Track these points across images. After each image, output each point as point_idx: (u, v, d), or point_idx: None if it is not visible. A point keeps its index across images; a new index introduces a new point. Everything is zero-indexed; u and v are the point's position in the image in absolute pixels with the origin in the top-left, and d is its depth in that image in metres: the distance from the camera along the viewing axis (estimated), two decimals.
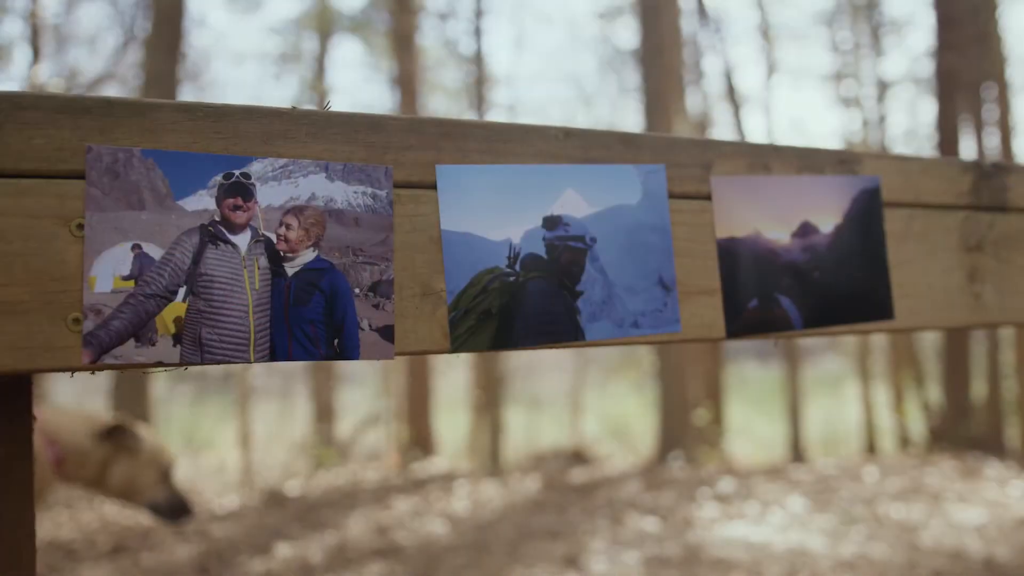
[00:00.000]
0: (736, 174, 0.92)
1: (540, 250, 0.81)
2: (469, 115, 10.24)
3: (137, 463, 2.37)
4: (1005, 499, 4.01)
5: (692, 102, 10.20)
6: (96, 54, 9.47)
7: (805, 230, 0.95)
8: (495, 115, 11.05)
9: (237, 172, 0.69)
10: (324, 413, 9.50)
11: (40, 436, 2.19)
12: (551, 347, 0.81)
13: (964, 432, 6.47)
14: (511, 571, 2.97)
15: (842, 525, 3.53)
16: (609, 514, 3.82)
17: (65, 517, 4.39)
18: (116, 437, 2.35)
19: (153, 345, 0.65)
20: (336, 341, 0.72)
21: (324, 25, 10.19)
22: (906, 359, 8.69)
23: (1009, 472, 4.69)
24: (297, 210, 0.71)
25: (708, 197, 0.90)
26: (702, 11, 10.15)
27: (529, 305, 0.80)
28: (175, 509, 2.42)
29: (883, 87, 11.15)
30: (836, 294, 0.97)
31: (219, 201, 0.68)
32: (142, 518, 4.25)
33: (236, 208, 0.69)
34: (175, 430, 9.35)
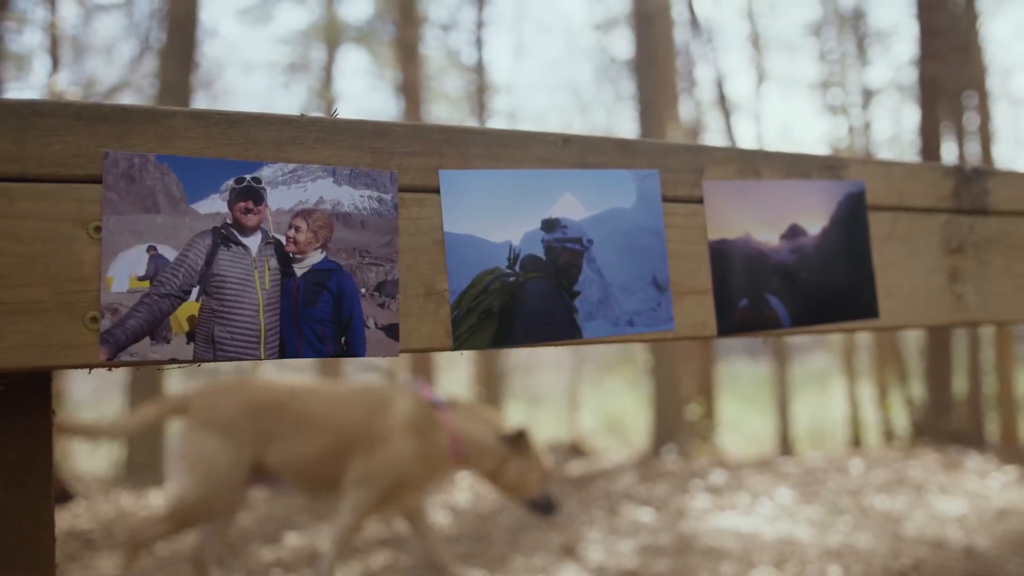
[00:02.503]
0: (727, 179, 0.92)
1: (539, 251, 0.81)
2: (471, 122, 10.24)
3: (528, 465, 2.63)
4: (985, 491, 4.01)
5: (685, 109, 10.20)
6: (112, 64, 9.47)
7: (793, 232, 0.95)
8: (496, 122, 11.05)
9: (248, 177, 0.69)
10: None
11: (448, 432, 2.53)
12: (550, 345, 0.81)
13: (946, 426, 6.47)
14: (511, 560, 2.97)
15: (828, 516, 3.53)
16: (605, 505, 3.82)
17: (83, 508, 4.39)
18: (517, 442, 2.62)
19: (168, 343, 0.65)
20: (343, 339, 0.72)
21: (331, 36, 10.19)
22: (890, 356, 8.69)
23: (989, 465, 4.69)
24: (306, 213, 0.71)
25: (700, 201, 0.90)
26: (694, 22, 10.15)
27: (528, 304, 0.80)
28: (548, 506, 2.70)
29: (868, 95, 11.15)
30: (823, 294, 0.97)
31: (231, 205, 0.68)
32: (157, 508, 4.25)
33: (247, 211, 0.69)
34: None
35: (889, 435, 8.09)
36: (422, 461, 2.52)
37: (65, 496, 2.69)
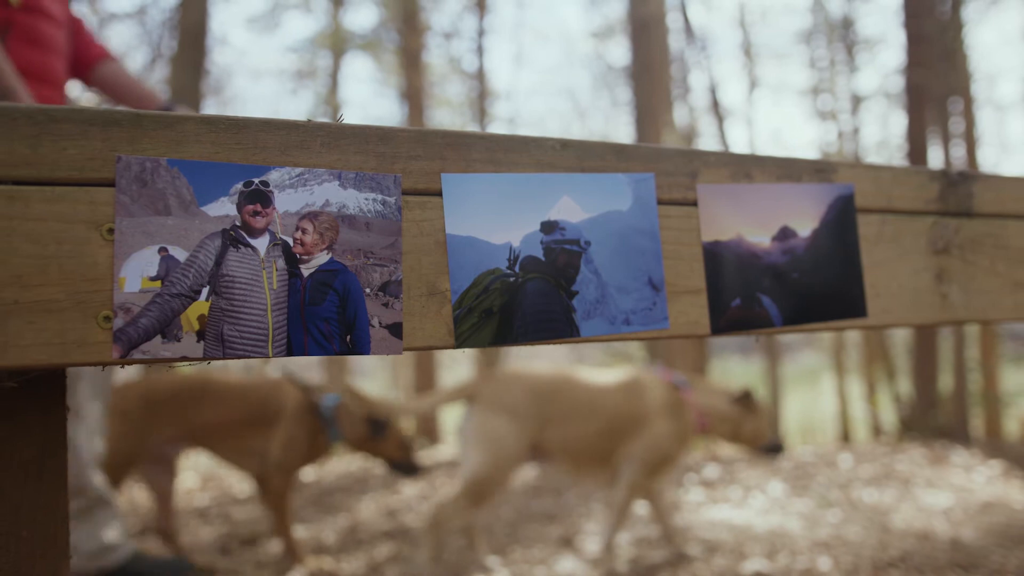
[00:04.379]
0: (720, 182, 0.92)
1: (538, 253, 0.81)
2: (472, 127, 10.24)
3: (758, 419, 2.91)
4: (970, 484, 4.01)
5: (679, 115, 10.20)
6: None
7: (784, 234, 0.95)
8: (496, 127, 11.05)
9: (256, 180, 0.69)
10: None
11: (693, 408, 2.77)
12: (548, 343, 0.81)
13: (932, 422, 6.47)
14: (511, 551, 2.97)
15: (818, 508, 3.53)
16: (603, 498, 3.81)
17: None
18: (745, 401, 2.87)
19: (178, 341, 0.65)
20: (348, 337, 0.72)
21: (337, 44, 10.19)
22: (878, 354, 8.69)
23: (974, 459, 4.69)
24: (312, 215, 0.71)
25: (694, 203, 0.90)
26: (689, 31, 10.15)
27: (528, 304, 0.80)
28: (778, 447, 3.00)
29: (857, 101, 11.15)
30: (813, 294, 0.97)
31: (240, 207, 0.68)
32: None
33: (255, 214, 0.69)
34: None
35: (877, 430, 8.09)
36: (679, 438, 2.74)
37: (414, 469, 2.92)
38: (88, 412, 2.17)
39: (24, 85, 1.67)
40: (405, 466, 2.93)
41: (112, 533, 2.17)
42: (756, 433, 2.90)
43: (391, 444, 2.87)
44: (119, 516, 2.20)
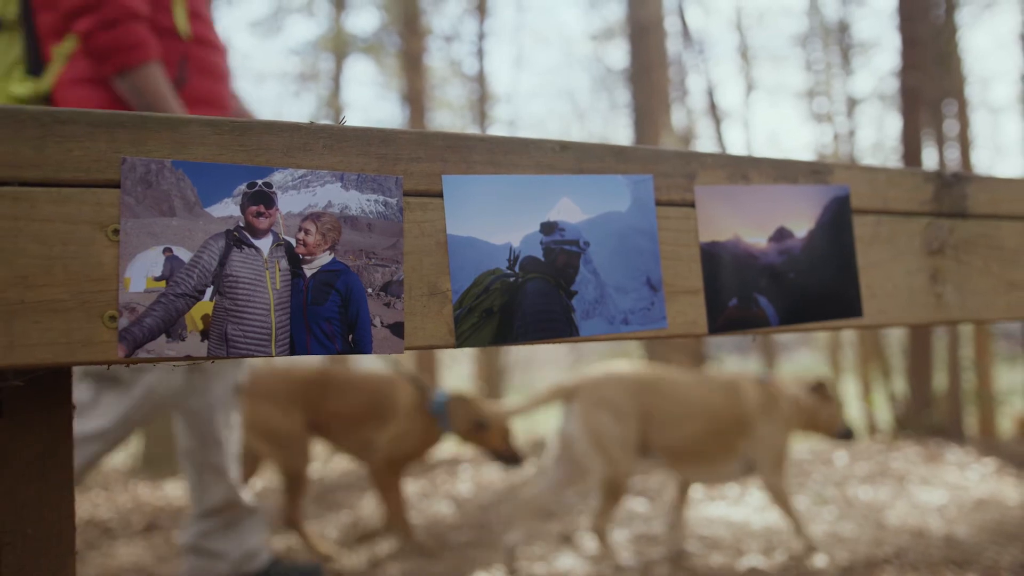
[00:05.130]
0: (717, 183, 0.92)
1: (538, 253, 0.81)
2: (473, 129, 10.24)
3: (833, 407, 2.98)
4: (964, 482, 4.01)
5: (677, 117, 10.20)
6: None
7: (781, 235, 0.95)
8: (497, 129, 11.06)
9: (260, 182, 0.69)
10: None
11: (784, 397, 2.84)
12: (548, 342, 0.81)
13: (927, 420, 6.47)
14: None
15: (814, 505, 3.53)
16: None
17: (102, 498, 4.39)
18: (819, 391, 2.96)
19: (183, 340, 0.65)
20: (351, 337, 0.72)
21: (339, 47, 10.19)
22: (873, 353, 8.69)
23: (968, 457, 4.69)
24: (315, 216, 0.71)
25: (692, 204, 0.90)
26: (687, 34, 10.15)
27: (528, 304, 0.80)
28: (850, 433, 3.05)
29: (852, 103, 11.15)
30: (809, 294, 0.97)
31: (243, 208, 0.68)
32: (172, 499, 4.25)
33: (259, 215, 0.69)
34: None
35: (872, 429, 8.09)
36: (786, 428, 2.84)
37: (516, 459, 3.03)
38: (224, 421, 2.24)
39: (184, 110, 1.80)
40: (508, 456, 3.07)
41: (255, 540, 2.25)
42: (831, 421, 2.99)
43: (495, 436, 3.02)
44: (264, 523, 2.27)
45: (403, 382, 3.03)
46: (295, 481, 2.87)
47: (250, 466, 2.99)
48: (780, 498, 2.77)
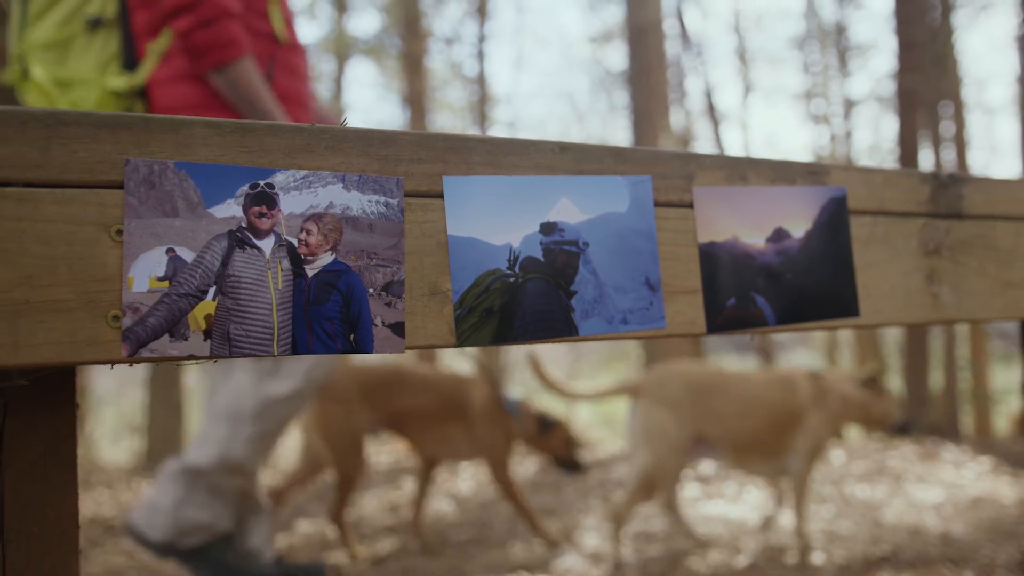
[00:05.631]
0: (716, 184, 0.92)
1: (538, 253, 0.81)
2: (473, 131, 10.24)
3: (887, 400, 2.98)
4: (960, 480, 4.01)
5: (676, 119, 10.20)
6: None
7: (778, 235, 0.95)
8: (497, 131, 11.06)
9: (262, 183, 0.69)
10: None
11: (835, 394, 2.87)
12: (548, 341, 0.81)
13: (923, 419, 6.47)
14: (511, 545, 2.97)
15: (812, 503, 3.53)
16: (600, 494, 3.82)
17: (105, 496, 4.39)
18: (871, 384, 2.96)
19: (186, 340, 0.65)
20: (352, 336, 0.72)
21: (341, 49, 10.19)
22: (870, 353, 8.69)
23: (964, 456, 4.69)
24: (317, 217, 0.71)
25: (690, 205, 0.90)
26: (685, 36, 10.15)
27: (527, 303, 0.80)
28: (907, 426, 3.09)
29: (849, 105, 11.16)
30: (806, 294, 0.97)
31: (246, 209, 0.68)
32: None
33: (261, 215, 0.69)
34: None
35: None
36: (832, 424, 2.89)
37: (578, 467, 3.01)
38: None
39: (283, 110, 1.91)
40: (569, 463, 3.02)
41: (258, 539, 2.26)
42: (885, 414, 3.00)
43: (557, 441, 2.98)
44: (269, 523, 2.28)
45: (477, 381, 3.01)
46: (345, 482, 2.84)
47: (313, 466, 2.96)
48: (800, 489, 2.81)
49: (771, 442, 2.82)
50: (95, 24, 1.88)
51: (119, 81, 1.88)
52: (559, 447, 3.00)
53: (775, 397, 2.84)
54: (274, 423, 2.15)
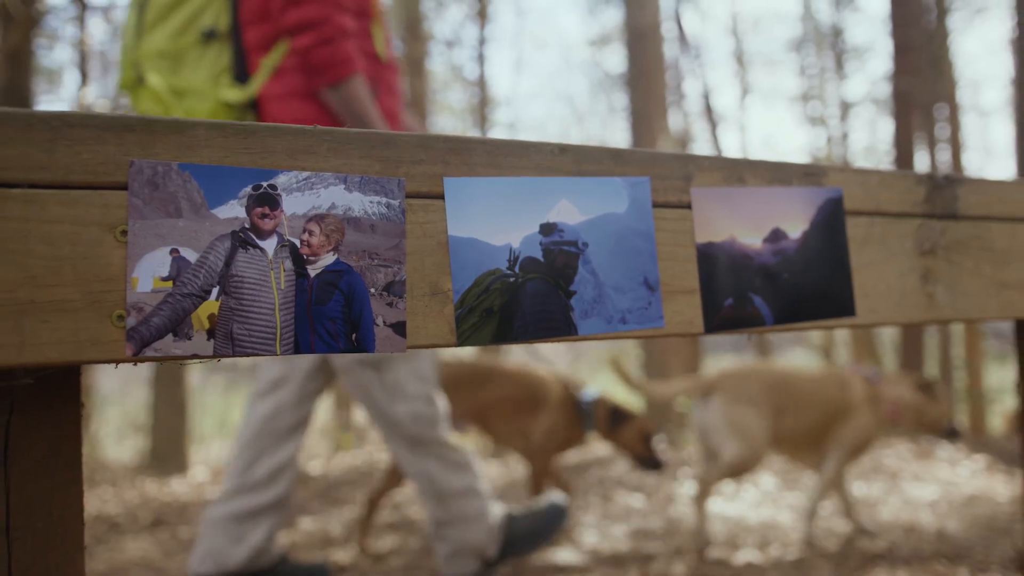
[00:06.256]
0: (713, 185, 0.92)
1: (537, 254, 0.81)
2: (473, 132, 10.24)
3: (940, 407, 3.04)
4: (955, 478, 4.01)
5: (674, 121, 10.20)
6: None
7: (776, 236, 0.95)
8: (497, 132, 11.05)
9: (265, 184, 0.69)
10: (343, 400, 9.49)
11: (887, 400, 2.95)
12: (547, 341, 0.81)
13: None
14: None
15: (809, 501, 3.52)
16: (600, 491, 3.82)
17: (110, 494, 4.40)
18: (927, 389, 3.03)
19: (189, 339, 0.65)
20: (354, 336, 0.72)
21: None
22: (866, 352, 8.68)
23: (959, 454, 4.69)
24: (319, 218, 0.71)
25: (688, 206, 0.90)
26: (683, 39, 10.15)
27: (527, 303, 0.80)
28: (955, 433, 3.07)
29: (846, 107, 11.16)
30: (803, 293, 0.97)
31: (249, 210, 0.68)
32: (179, 495, 4.25)
33: (264, 216, 0.69)
34: (209, 416, 9.34)
35: None
36: (877, 426, 2.96)
37: (656, 464, 2.97)
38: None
39: (383, 119, 1.97)
40: (646, 460, 2.98)
41: (267, 537, 2.26)
42: (938, 419, 3.03)
43: (631, 436, 2.95)
44: (281, 522, 2.28)
45: (554, 378, 3.05)
46: (394, 474, 2.85)
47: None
48: (834, 481, 2.89)
49: (820, 437, 2.91)
50: (209, 36, 1.94)
51: (233, 93, 1.93)
52: (634, 442, 2.95)
53: (831, 395, 2.92)
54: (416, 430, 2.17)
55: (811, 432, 2.90)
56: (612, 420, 2.94)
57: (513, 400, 2.97)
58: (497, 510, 2.21)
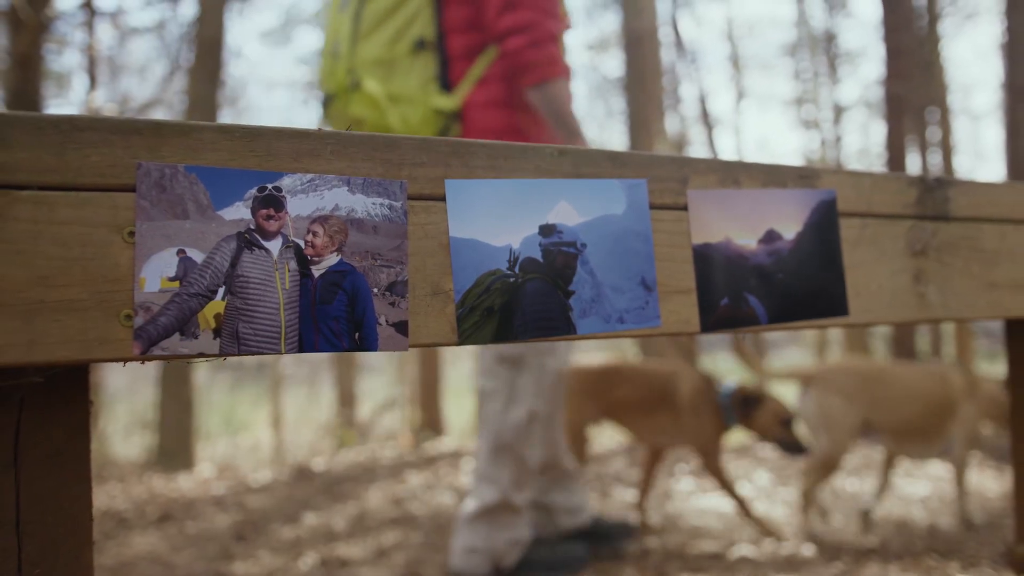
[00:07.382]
0: (709, 187, 0.92)
1: (537, 254, 0.81)
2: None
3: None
4: (947, 474, 4.01)
5: (671, 124, 10.21)
6: (145, 82, 9.48)
7: (770, 237, 0.96)
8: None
9: (270, 186, 0.69)
10: (346, 398, 9.51)
11: (986, 394, 3.00)
12: (547, 340, 0.81)
13: None
14: None
15: (803, 497, 3.52)
16: (598, 487, 3.82)
17: (118, 490, 4.40)
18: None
19: (196, 338, 0.65)
20: (357, 335, 0.72)
21: None
22: (859, 351, 8.69)
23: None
24: (323, 219, 0.71)
25: (684, 208, 0.90)
26: (680, 44, 10.14)
27: (527, 303, 0.80)
28: None
29: (839, 111, 11.16)
30: (797, 293, 0.97)
31: (254, 211, 0.68)
32: (186, 490, 4.25)
33: (269, 218, 0.69)
34: (215, 413, 9.35)
35: None
36: (981, 419, 3.03)
37: (796, 447, 2.88)
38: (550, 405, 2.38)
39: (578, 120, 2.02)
40: (787, 444, 2.86)
41: (579, 498, 2.49)
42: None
43: (767, 419, 2.86)
44: (583, 486, 2.48)
45: (689, 372, 3.04)
46: (655, 453, 2.98)
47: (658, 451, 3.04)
48: (961, 472, 2.98)
49: (926, 428, 2.97)
50: (420, 46, 1.98)
51: (444, 100, 1.98)
52: (770, 425, 2.82)
53: (931, 389, 2.98)
54: (523, 445, 2.26)
55: (915, 424, 2.96)
56: (744, 405, 2.83)
57: (643, 396, 2.98)
58: (526, 529, 2.28)
